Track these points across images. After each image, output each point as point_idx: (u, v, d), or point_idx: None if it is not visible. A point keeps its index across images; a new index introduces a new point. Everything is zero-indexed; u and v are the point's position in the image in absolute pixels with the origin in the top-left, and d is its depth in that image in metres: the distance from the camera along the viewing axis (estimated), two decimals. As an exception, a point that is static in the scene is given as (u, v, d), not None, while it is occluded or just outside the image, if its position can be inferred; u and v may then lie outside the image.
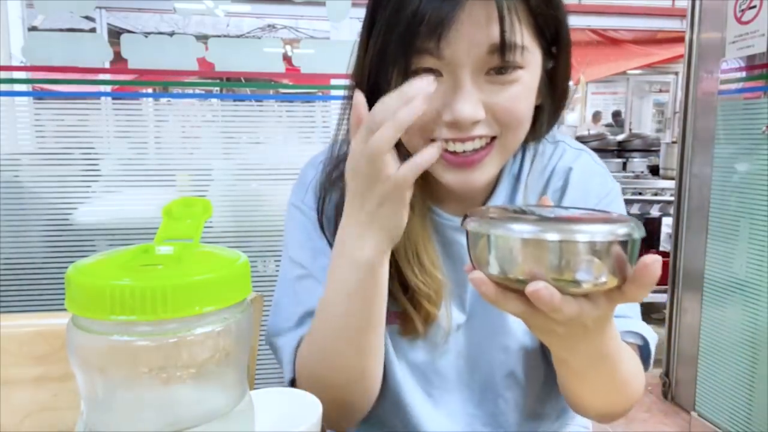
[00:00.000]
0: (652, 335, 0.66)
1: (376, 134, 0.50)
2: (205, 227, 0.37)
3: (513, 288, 0.42)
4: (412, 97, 0.49)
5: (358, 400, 0.64)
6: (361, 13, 0.63)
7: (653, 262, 0.40)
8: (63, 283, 0.32)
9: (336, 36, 1.91)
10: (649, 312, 3.55)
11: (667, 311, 2.46)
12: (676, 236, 2.39)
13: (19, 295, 1.60)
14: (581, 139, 4.15)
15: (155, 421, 0.32)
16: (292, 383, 0.66)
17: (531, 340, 0.69)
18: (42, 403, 0.72)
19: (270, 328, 0.69)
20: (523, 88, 0.57)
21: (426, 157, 0.52)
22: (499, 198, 0.70)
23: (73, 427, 0.34)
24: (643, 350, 0.66)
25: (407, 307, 0.66)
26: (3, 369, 0.71)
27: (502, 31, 0.53)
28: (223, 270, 0.32)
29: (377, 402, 0.66)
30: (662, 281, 2.55)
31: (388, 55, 0.56)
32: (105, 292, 0.29)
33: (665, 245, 3.71)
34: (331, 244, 0.65)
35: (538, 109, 0.63)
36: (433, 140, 0.58)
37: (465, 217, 0.44)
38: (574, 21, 3.47)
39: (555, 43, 0.61)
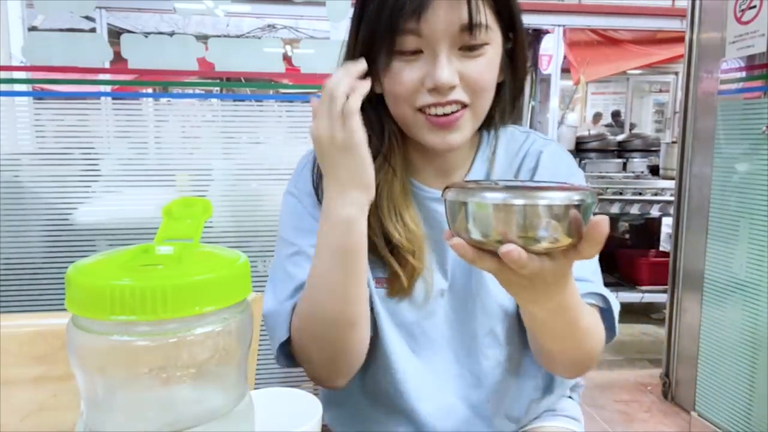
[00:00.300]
0: (615, 301, 0.74)
1: (332, 78, 0.65)
2: (205, 227, 0.37)
3: (487, 249, 0.48)
4: (354, 67, 0.67)
5: (349, 350, 0.70)
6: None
7: (602, 220, 0.45)
8: (63, 283, 0.32)
9: (336, 36, 1.90)
10: (649, 312, 3.55)
11: (667, 311, 2.46)
12: (676, 236, 2.39)
13: (19, 295, 1.59)
14: (581, 139, 4.15)
15: (155, 421, 0.32)
16: (284, 346, 0.72)
17: (509, 302, 0.77)
18: (42, 403, 0.72)
19: (264, 304, 0.74)
20: (488, 61, 0.69)
21: (365, 85, 0.66)
22: (475, 177, 0.80)
23: (73, 427, 0.34)
24: (606, 315, 0.73)
25: (393, 264, 0.73)
26: (3, 369, 0.71)
27: (470, 12, 0.65)
28: (223, 270, 0.32)
29: (367, 360, 0.73)
30: (662, 281, 2.55)
31: (377, 37, 0.67)
32: (105, 292, 0.29)
33: (665, 245, 3.71)
34: None
35: (502, 86, 0.75)
36: (419, 109, 0.69)
37: (445, 189, 0.50)
38: (574, 21, 3.47)
39: (511, 26, 0.72)
